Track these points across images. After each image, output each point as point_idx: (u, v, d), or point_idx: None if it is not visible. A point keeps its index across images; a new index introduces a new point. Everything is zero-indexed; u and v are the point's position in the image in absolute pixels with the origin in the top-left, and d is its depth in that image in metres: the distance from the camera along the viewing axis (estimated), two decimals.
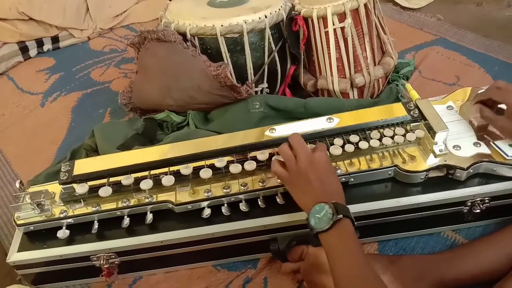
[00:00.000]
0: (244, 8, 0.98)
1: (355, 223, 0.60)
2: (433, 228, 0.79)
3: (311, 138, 0.77)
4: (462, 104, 0.84)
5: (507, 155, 0.72)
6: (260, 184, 0.74)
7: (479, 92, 0.84)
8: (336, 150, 0.75)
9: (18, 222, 0.74)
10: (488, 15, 1.45)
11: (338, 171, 0.74)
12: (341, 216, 0.58)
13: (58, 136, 1.14)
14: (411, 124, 0.79)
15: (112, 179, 0.76)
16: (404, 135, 0.77)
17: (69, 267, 0.74)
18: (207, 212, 0.73)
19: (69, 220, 0.74)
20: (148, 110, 1.07)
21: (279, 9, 0.97)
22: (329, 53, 0.99)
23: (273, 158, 0.72)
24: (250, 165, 0.75)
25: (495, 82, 0.76)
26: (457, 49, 1.27)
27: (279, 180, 0.73)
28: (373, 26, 1.01)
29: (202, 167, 0.76)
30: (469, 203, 0.73)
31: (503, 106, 0.73)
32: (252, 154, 0.77)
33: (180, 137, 0.93)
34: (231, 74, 0.93)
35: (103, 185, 0.75)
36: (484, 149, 0.74)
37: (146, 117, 1.06)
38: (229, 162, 0.76)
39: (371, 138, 0.77)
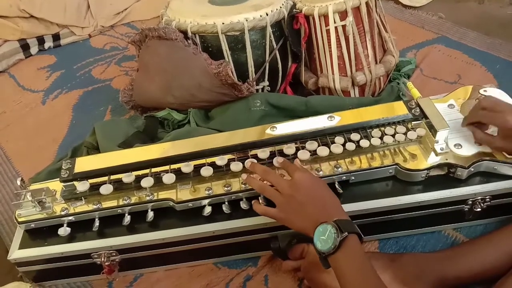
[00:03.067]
0: (245, 6, 0.98)
1: (363, 236, 0.58)
2: (434, 227, 0.79)
3: (312, 136, 0.78)
4: (463, 103, 0.83)
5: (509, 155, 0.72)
6: None
7: (480, 90, 0.84)
8: (337, 148, 0.75)
9: (19, 220, 0.75)
10: (489, 13, 1.44)
11: (339, 169, 0.74)
12: (346, 234, 0.56)
13: (59, 134, 1.15)
14: (412, 122, 0.79)
15: (113, 177, 0.76)
16: (405, 134, 0.77)
17: (70, 264, 0.75)
18: (208, 210, 0.73)
19: (70, 217, 0.74)
20: (149, 108, 1.07)
21: (281, 7, 0.97)
22: (330, 51, 0.99)
23: (253, 202, 0.70)
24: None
25: (480, 102, 0.72)
26: (459, 47, 1.27)
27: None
28: (374, 24, 1.01)
29: (203, 165, 0.76)
30: (470, 202, 0.73)
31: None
32: (253, 152, 0.78)
33: (181, 135, 0.93)
34: (232, 72, 0.93)
35: (104, 182, 0.75)
36: (485, 147, 0.74)
37: (147, 115, 1.06)
38: (230, 160, 0.76)
39: (372, 137, 0.77)
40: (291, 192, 0.62)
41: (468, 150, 0.74)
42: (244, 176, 0.71)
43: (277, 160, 0.72)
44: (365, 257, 0.57)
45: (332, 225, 0.57)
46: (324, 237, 0.57)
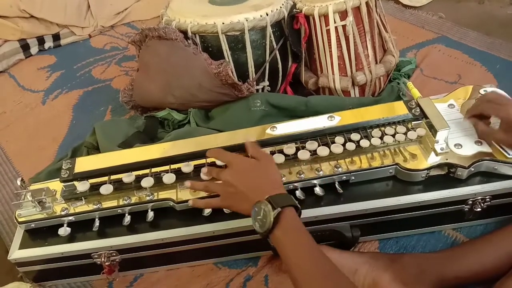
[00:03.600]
0: (245, 6, 0.98)
1: (299, 207, 0.57)
2: (434, 227, 0.79)
3: (313, 136, 0.78)
4: (463, 103, 0.83)
5: (509, 154, 0.72)
6: None
7: (480, 90, 0.84)
8: (337, 148, 0.75)
9: (20, 220, 0.75)
10: (490, 13, 1.44)
11: (340, 169, 0.74)
12: (279, 209, 0.55)
13: (59, 134, 1.15)
14: (413, 122, 0.79)
15: (113, 177, 0.76)
16: (405, 134, 0.77)
17: (70, 264, 0.75)
18: (208, 210, 0.73)
19: (70, 217, 0.74)
20: (149, 108, 1.07)
21: (281, 7, 0.97)
22: (330, 51, 0.99)
23: (191, 200, 0.70)
24: None
25: (485, 95, 0.76)
26: (459, 47, 1.27)
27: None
28: (374, 24, 1.00)
29: (203, 165, 0.76)
30: (470, 202, 0.73)
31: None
32: None
33: (181, 135, 0.93)
34: (232, 72, 0.93)
35: (104, 182, 0.75)
36: (485, 147, 0.74)
37: (147, 115, 1.06)
38: None
39: (372, 137, 0.77)
40: (228, 179, 0.63)
41: (468, 150, 0.74)
42: (187, 184, 0.70)
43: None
44: (303, 229, 0.55)
45: (265, 202, 0.56)
46: (260, 216, 0.56)
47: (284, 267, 0.55)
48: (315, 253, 0.54)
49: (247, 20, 0.92)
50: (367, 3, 0.96)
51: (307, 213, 0.71)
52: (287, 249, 0.55)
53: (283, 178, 0.73)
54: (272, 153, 0.77)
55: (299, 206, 0.57)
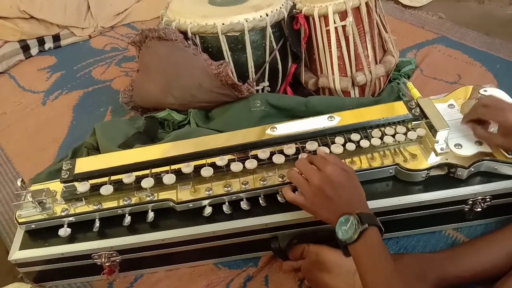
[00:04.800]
0: (245, 6, 0.98)
1: (383, 229, 0.60)
2: (434, 227, 0.79)
3: (312, 136, 0.78)
4: (463, 103, 0.83)
5: (509, 154, 0.72)
6: (261, 182, 0.74)
7: (480, 90, 0.84)
8: (337, 148, 0.75)
9: (20, 220, 0.75)
10: (490, 13, 1.44)
11: None
12: (367, 225, 0.58)
13: (60, 135, 1.15)
14: (413, 122, 0.79)
15: (113, 178, 0.76)
16: (405, 134, 0.77)
17: (70, 265, 0.75)
18: (208, 210, 0.73)
19: (71, 218, 0.74)
20: (149, 108, 1.07)
21: (280, 8, 0.97)
22: (330, 52, 0.99)
23: (283, 188, 0.70)
24: (251, 164, 0.75)
25: (481, 100, 0.76)
26: (459, 47, 1.27)
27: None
28: (374, 24, 1.01)
29: (203, 165, 0.76)
30: (470, 202, 0.73)
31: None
32: (253, 152, 0.78)
33: (181, 135, 0.93)
34: (232, 73, 0.93)
35: (104, 183, 0.75)
36: (485, 147, 0.74)
37: (147, 116, 1.06)
38: (230, 161, 0.76)
39: (372, 137, 0.77)
40: (320, 185, 0.63)
41: (468, 150, 0.74)
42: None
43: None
44: (383, 249, 0.58)
45: (355, 217, 0.59)
46: (346, 227, 0.59)
47: (360, 278, 0.59)
48: (391, 272, 0.56)
49: (247, 21, 0.92)
50: (367, 4, 0.96)
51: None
52: (365, 262, 0.58)
53: (284, 179, 0.73)
54: (272, 153, 0.77)
55: (383, 228, 0.60)
